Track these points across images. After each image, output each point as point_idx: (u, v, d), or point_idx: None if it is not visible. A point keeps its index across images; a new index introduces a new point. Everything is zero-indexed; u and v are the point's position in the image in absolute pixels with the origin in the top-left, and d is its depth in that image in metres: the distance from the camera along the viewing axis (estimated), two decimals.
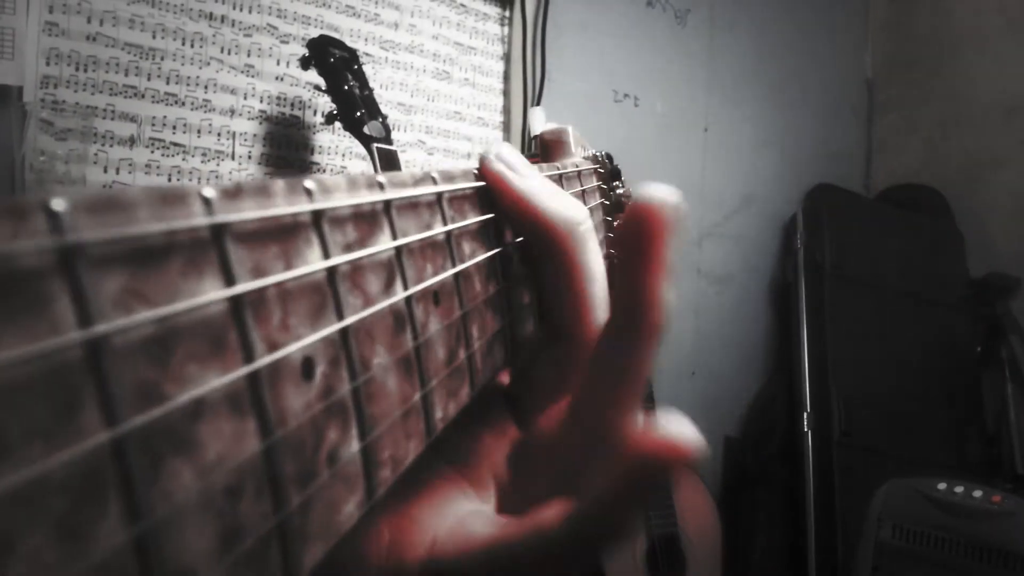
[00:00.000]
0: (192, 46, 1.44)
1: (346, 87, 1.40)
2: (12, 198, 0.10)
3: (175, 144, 1.42)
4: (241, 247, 0.15)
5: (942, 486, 1.79)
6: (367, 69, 1.47)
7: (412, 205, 0.23)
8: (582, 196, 0.45)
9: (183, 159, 1.43)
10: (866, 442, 2.27)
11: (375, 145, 1.38)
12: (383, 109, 1.43)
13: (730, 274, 2.56)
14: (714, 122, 2.50)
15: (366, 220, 0.20)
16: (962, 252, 2.65)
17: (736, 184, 2.58)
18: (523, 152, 0.44)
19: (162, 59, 1.40)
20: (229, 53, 1.48)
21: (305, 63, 1.41)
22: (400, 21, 1.73)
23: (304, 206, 0.17)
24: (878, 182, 3.04)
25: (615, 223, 0.50)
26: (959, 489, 1.77)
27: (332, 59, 1.41)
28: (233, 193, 0.15)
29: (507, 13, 1.94)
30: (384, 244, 0.20)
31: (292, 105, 1.56)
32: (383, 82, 1.69)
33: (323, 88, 1.42)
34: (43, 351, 0.10)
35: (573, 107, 2.10)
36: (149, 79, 1.39)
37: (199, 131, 1.45)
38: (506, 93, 1.95)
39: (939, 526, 1.75)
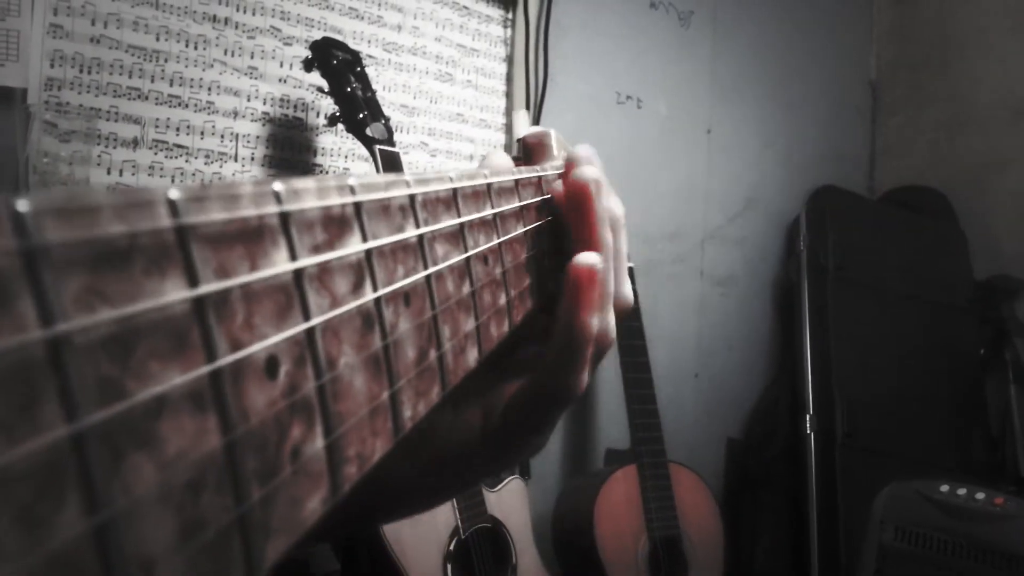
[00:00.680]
0: (196, 48, 1.45)
1: (349, 89, 1.41)
2: None
3: (178, 146, 1.43)
4: (206, 248, 0.15)
5: (945, 488, 1.79)
6: (370, 71, 1.48)
7: (384, 208, 0.23)
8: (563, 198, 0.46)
9: (186, 161, 1.44)
10: (869, 444, 2.27)
11: (378, 147, 1.39)
12: (386, 111, 1.44)
13: (733, 276, 2.56)
14: (717, 124, 2.51)
15: (336, 223, 0.20)
16: (966, 254, 2.65)
17: (739, 186, 2.58)
18: (509, 154, 0.45)
19: (166, 61, 1.41)
20: (232, 55, 1.49)
21: (308, 65, 1.42)
22: (403, 23, 1.74)
23: (271, 208, 0.17)
24: (882, 184, 3.04)
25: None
26: (962, 491, 1.77)
27: (335, 61, 1.42)
28: (199, 196, 0.15)
29: (510, 15, 1.95)
30: (353, 246, 0.21)
31: (295, 107, 1.57)
32: (386, 84, 1.70)
33: (326, 90, 1.42)
34: (5, 348, 0.11)
35: (576, 109, 2.11)
36: (153, 81, 1.40)
37: (202, 133, 1.46)
38: (509, 95, 1.95)
39: (941, 528, 1.75)
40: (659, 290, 2.31)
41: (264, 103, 1.53)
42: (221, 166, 1.47)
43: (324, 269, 0.19)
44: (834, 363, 2.34)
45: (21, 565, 0.11)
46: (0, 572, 0.11)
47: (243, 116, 1.50)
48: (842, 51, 3.00)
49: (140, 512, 0.13)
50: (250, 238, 0.17)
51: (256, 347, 0.16)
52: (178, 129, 1.43)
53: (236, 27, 1.49)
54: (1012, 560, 1.64)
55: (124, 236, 0.13)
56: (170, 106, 1.42)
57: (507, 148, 1.90)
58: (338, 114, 1.41)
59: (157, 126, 1.41)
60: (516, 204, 0.38)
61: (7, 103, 1.26)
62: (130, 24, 1.36)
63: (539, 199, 0.43)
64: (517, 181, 0.39)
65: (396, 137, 1.45)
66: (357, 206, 0.21)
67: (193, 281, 0.15)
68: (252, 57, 1.51)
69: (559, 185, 0.43)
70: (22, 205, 0.12)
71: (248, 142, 1.51)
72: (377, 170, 1.37)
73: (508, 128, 1.94)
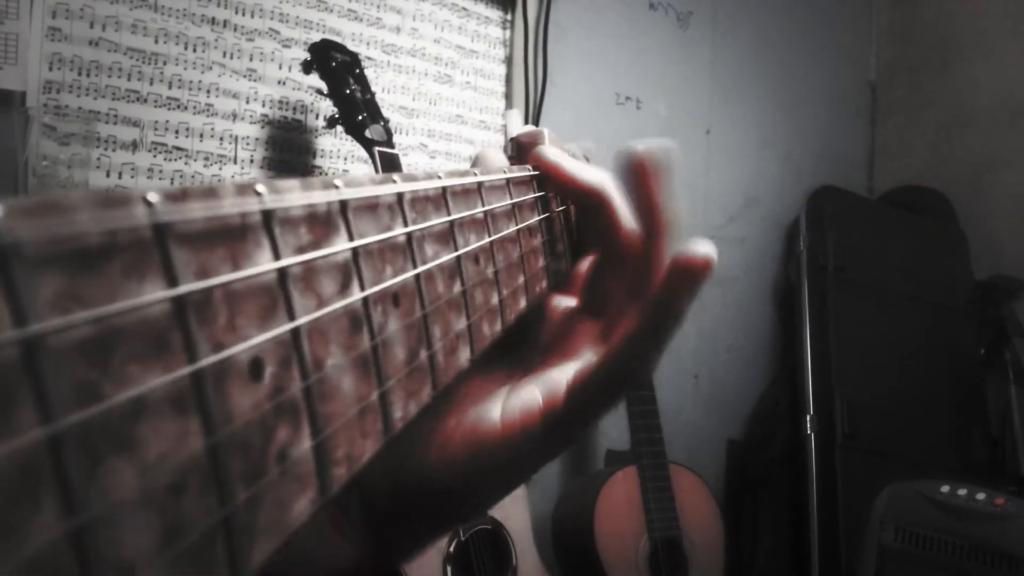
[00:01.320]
0: (194, 51, 1.45)
1: (348, 91, 1.40)
2: None
3: (177, 148, 1.43)
4: (185, 249, 0.15)
5: (945, 488, 1.79)
6: (369, 73, 1.48)
7: (371, 207, 0.23)
8: (556, 195, 0.47)
9: (185, 163, 1.44)
10: (869, 445, 2.27)
11: (377, 149, 1.39)
12: (385, 113, 1.44)
13: (733, 276, 2.56)
14: (717, 124, 2.50)
15: (321, 222, 0.20)
16: (966, 255, 2.65)
17: (739, 186, 2.58)
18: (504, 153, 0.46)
19: (164, 64, 1.41)
20: (231, 57, 1.49)
21: (307, 67, 1.42)
22: (402, 25, 1.74)
23: (252, 206, 0.17)
24: (882, 184, 3.04)
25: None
26: (962, 492, 1.77)
27: (334, 63, 1.41)
28: (178, 197, 0.15)
29: (509, 16, 1.95)
30: (339, 246, 0.21)
31: (294, 109, 1.57)
32: (385, 86, 1.70)
33: (325, 92, 1.42)
34: None
35: (575, 110, 2.11)
36: (151, 84, 1.40)
37: (201, 135, 1.46)
38: (508, 96, 1.95)
39: (942, 529, 1.75)
40: None
41: (263, 105, 1.53)
42: (220, 168, 1.47)
43: (309, 269, 0.19)
44: (834, 364, 2.33)
45: None
46: None
47: (242, 118, 1.50)
48: (842, 52, 3.00)
49: (119, 515, 0.13)
50: (232, 238, 0.17)
51: (239, 348, 0.16)
52: (177, 131, 1.43)
53: (235, 29, 1.49)
54: (1012, 560, 1.64)
55: (100, 236, 0.13)
56: (169, 108, 1.42)
57: (504, 149, 1.90)
58: (337, 116, 1.41)
59: (156, 128, 1.41)
60: (508, 202, 0.38)
61: (6, 106, 1.26)
62: (129, 27, 1.36)
63: (533, 196, 0.43)
64: (509, 180, 0.39)
65: (395, 139, 1.45)
66: (343, 205, 0.21)
67: (173, 282, 0.15)
68: (251, 59, 1.51)
69: (548, 154, 0.45)
70: None
71: (247, 144, 1.51)
72: (376, 172, 1.37)
73: (506, 128, 1.94)
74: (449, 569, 1.46)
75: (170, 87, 1.42)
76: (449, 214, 0.30)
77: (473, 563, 1.50)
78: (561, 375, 0.40)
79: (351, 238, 0.21)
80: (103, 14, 1.33)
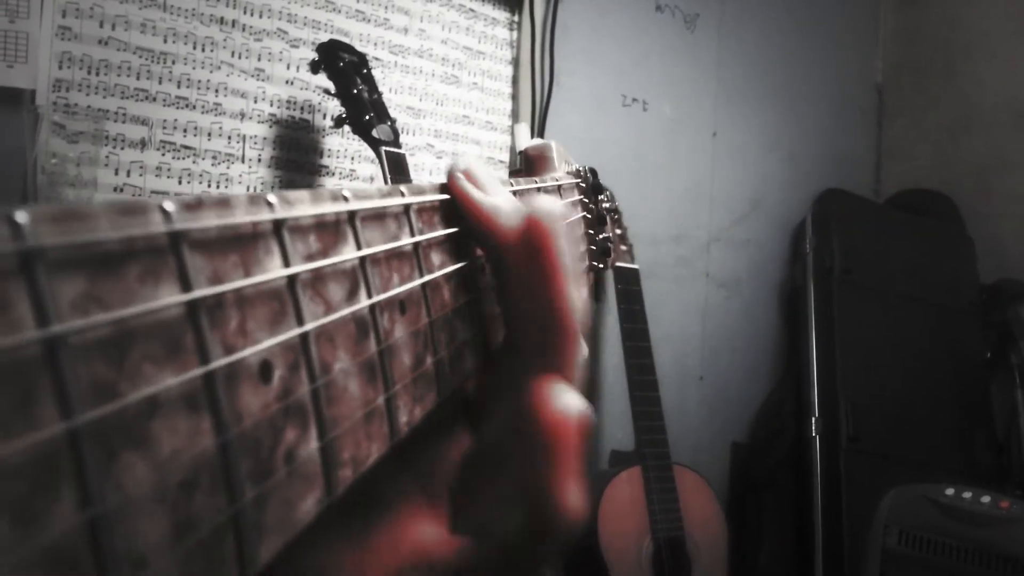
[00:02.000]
0: (203, 50, 1.45)
1: (355, 91, 1.41)
2: None
3: (186, 147, 1.44)
4: (199, 255, 0.16)
5: (949, 492, 1.79)
6: (376, 73, 1.49)
7: (378, 217, 0.24)
8: None
9: (193, 162, 1.44)
10: (874, 448, 2.27)
11: (384, 148, 1.39)
12: (392, 113, 1.45)
13: (738, 279, 2.56)
14: (723, 126, 2.51)
15: (329, 231, 0.21)
16: (972, 257, 2.64)
17: (745, 189, 2.58)
18: (511, 167, 0.45)
19: (173, 63, 1.42)
20: (240, 57, 1.50)
21: (315, 67, 1.43)
22: (409, 26, 1.74)
23: (264, 216, 0.18)
24: (888, 187, 3.03)
25: (597, 236, 0.51)
26: (967, 495, 1.77)
27: (342, 63, 1.42)
28: (193, 206, 0.16)
29: (516, 18, 1.95)
30: (347, 254, 0.21)
31: (302, 109, 1.58)
32: (392, 86, 1.71)
33: (332, 92, 1.43)
34: (1, 347, 0.11)
35: (582, 111, 2.11)
36: (160, 83, 1.41)
37: (209, 134, 1.47)
38: (515, 97, 1.96)
39: (946, 532, 1.75)
40: (664, 292, 2.31)
41: (271, 105, 1.54)
42: (228, 167, 1.48)
43: (318, 276, 0.20)
44: (839, 366, 2.33)
45: (16, 557, 0.12)
46: None
47: (250, 118, 1.51)
48: (847, 54, 3.00)
49: (133, 509, 0.14)
50: (243, 246, 0.17)
51: (249, 352, 0.17)
52: (185, 130, 1.44)
53: (243, 29, 1.50)
54: (1017, 564, 1.63)
55: (119, 242, 0.14)
56: (177, 107, 1.43)
57: (511, 164, 1.90)
58: (344, 116, 1.41)
59: (164, 127, 1.42)
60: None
61: (16, 104, 1.27)
62: (138, 26, 1.37)
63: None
64: (514, 192, 0.39)
65: (402, 139, 1.46)
66: (351, 215, 0.22)
67: (187, 287, 0.15)
68: (259, 59, 1.52)
69: (458, 177, 0.32)
70: (19, 214, 0.12)
71: (255, 143, 1.52)
72: (383, 172, 1.38)
73: (513, 140, 1.95)
74: None
75: (179, 86, 1.43)
76: (455, 225, 0.30)
77: None
78: (387, 546, 0.28)
79: (359, 247, 0.22)
80: (112, 13, 1.34)
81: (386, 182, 1.38)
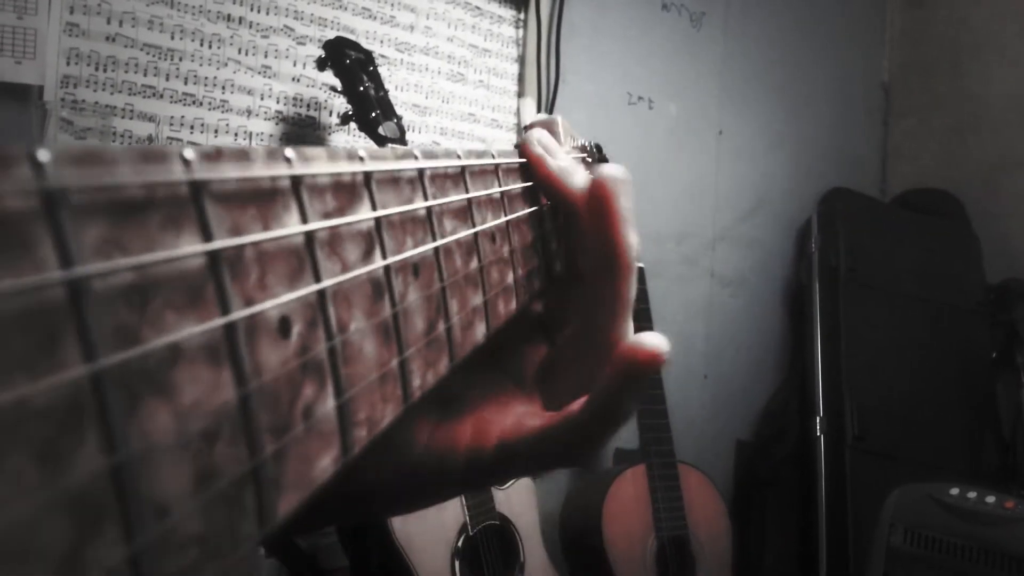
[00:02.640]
0: (210, 47, 1.46)
1: (361, 88, 1.41)
2: None
3: (192, 144, 1.44)
4: (219, 207, 0.16)
5: (954, 491, 1.78)
6: (382, 71, 1.49)
7: (393, 180, 0.24)
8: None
9: None
10: (879, 447, 2.26)
11: (390, 146, 1.40)
12: (398, 110, 1.45)
13: (743, 277, 2.56)
14: (728, 125, 2.50)
15: (346, 191, 0.21)
16: (979, 257, 2.64)
17: (750, 187, 2.58)
18: (517, 143, 0.46)
19: (180, 60, 1.42)
20: (246, 54, 1.50)
21: (321, 64, 1.43)
22: (415, 23, 1.74)
23: (283, 170, 0.18)
24: (894, 186, 3.03)
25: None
26: (972, 494, 1.76)
27: (348, 60, 1.42)
28: (213, 156, 0.16)
29: (522, 16, 1.95)
30: (364, 214, 0.21)
31: (308, 106, 1.58)
32: (398, 84, 1.71)
33: (339, 89, 1.43)
34: (26, 287, 0.12)
35: (587, 109, 2.11)
36: (167, 79, 1.41)
37: (216, 131, 1.47)
38: (520, 95, 1.96)
39: (951, 531, 1.74)
40: (668, 290, 2.31)
41: (277, 102, 1.54)
42: None
43: (335, 235, 0.20)
44: (844, 365, 2.33)
45: (42, 498, 0.12)
46: (22, 504, 0.11)
47: (257, 114, 1.51)
48: (854, 53, 2.99)
49: (156, 456, 0.14)
50: (262, 200, 0.17)
51: (268, 304, 0.17)
52: (192, 127, 1.44)
53: (250, 26, 1.50)
54: (1022, 564, 1.63)
55: (141, 188, 0.14)
56: (184, 104, 1.43)
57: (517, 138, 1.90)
58: (351, 113, 1.41)
59: (171, 124, 1.42)
60: (523, 184, 0.39)
61: (24, 100, 1.28)
62: (145, 23, 1.38)
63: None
64: (522, 163, 0.40)
65: (408, 136, 1.46)
66: (367, 176, 0.22)
67: (207, 237, 0.15)
68: (266, 56, 1.52)
69: (534, 144, 0.40)
70: (42, 153, 0.12)
71: (261, 140, 1.52)
72: None
73: (519, 128, 1.95)
74: (457, 564, 1.46)
75: (186, 83, 1.43)
76: (467, 192, 0.30)
77: (481, 558, 1.51)
78: (497, 418, 0.37)
79: (374, 207, 0.22)
80: (120, 10, 1.35)
81: None
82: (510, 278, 0.36)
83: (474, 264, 0.31)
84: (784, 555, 2.32)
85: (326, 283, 0.19)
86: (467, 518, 1.50)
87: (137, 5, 1.36)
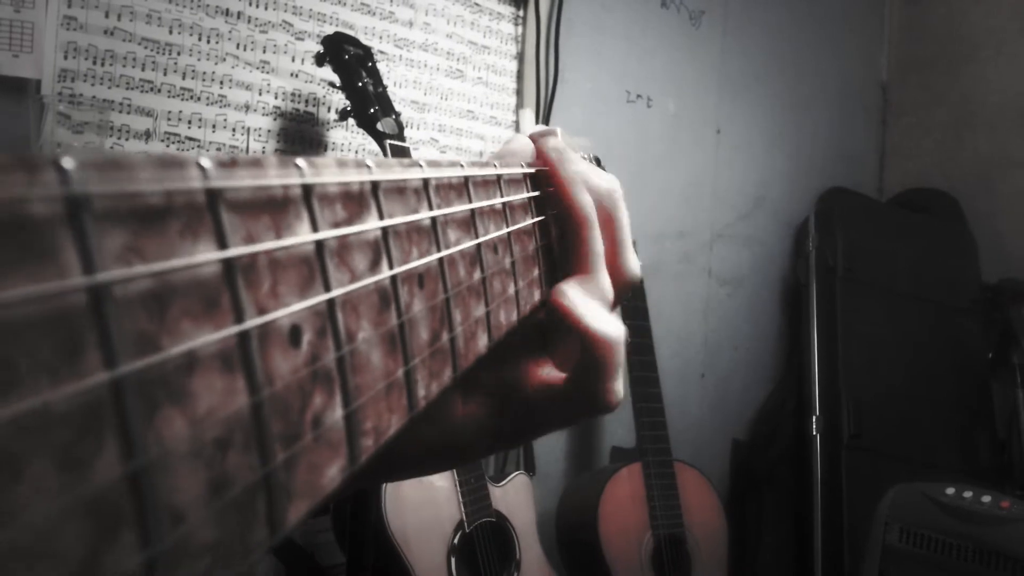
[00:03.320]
0: (208, 42, 1.45)
1: (360, 84, 1.41)
2: (24, 153, 0.12)
3: (190, 139, 1.44)
4: (234, 215, 0.16)
5: (950, 491, 1.79)
6: (381, 67, 1.49)
7: (399, 190, 0.24)
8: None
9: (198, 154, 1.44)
10: (875, 446, 2.27)
11: (388, 142, 1.39)
12: (396, 106, 1.45)
13: (741, 276, 2.56)
14: (727, 123, 2.51)
15: (354, 200, 0.21)
16: (975, 257, 2.65)
17: (748, 186, 2.58)
18: None
19: (178, 54, 1.42)
20: (245, 49, 1.50)
21: (320, 60, 1.43)
22: (414, 19, 1.74)
23: (294, 179, 0.18)
24: (891, 185, 3.04)
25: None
26: (967, 494, 1.77)
27: (347, 56, 1.42)
28: (228, 164, 0.16)
29: (521, 13, 1.95)
30: (371, 223, 0.21)
31: (306, 101, 1.58)
32: (397, 80, 1.71)
33: (337, 85, 1.43)
34: (50, 292, 0.12)
35: (586, 107, 2.11)
36: (165, 74, 1.41)
37: (214, 126, 1.47)
38: (519, 92, 1.96)
39: (947, 531, 1.75)
40: (666, 289, 2.31)
41: (276, 97, 1.54)
42: None
43: (343, 244, 0.20)
44: (841, 364, 2.34)
45: (62, 503, 0.12)
46: (41, 509, 0.11)
47: (255, 110, 1.51)
48: (853, 52, 3.00)
49: (172, 463, 0.14)
50: (275, 208, 0.17)
51: (281, 313, 0.17)
52: (190, 122, 1.44)
53: (249, 21, 1.50)
54: (1017, 564, 1.64)
55: (160, 195, 0.14)
56: (182, 99, 1.43)
57: None
58: (349, 109, 1.41)
59: (169, 119, 1.42)
60: (524, 195, 0.39)
61: (21, 94, 1.27)
62: (143, 17, 1.37)
63: (547, 191, 0.44)
64: (525, 174, 0.40)
65: (406, 133, 1.46)
66: (374, 185, 0.22)
67: (223, 245, 0.15)
68: (264, 51, 1.52)
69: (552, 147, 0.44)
70: (66, 160, 0.12)
71: (259, 136, 1.52)
72: None
73: (518, 125, 1.95)
74: (453, 561, 1.46)
75: (184, 78, 1.43)
76: (471, 203, 0.30)
77: (477, 556, 1.51)
78: (513, 391, 0.42)
79: (381, 217, 0.22)
80: (118, 4, 1.34)
81: None
82: (511, 289, 0.36)
83: (477, 275, 0.31)
84: (780, 553, 2.32)
85: (336, 292, 0.19)
86: (463, 515, 1.50)
87: None
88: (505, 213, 0.36)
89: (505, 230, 0.36)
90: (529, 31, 1.95)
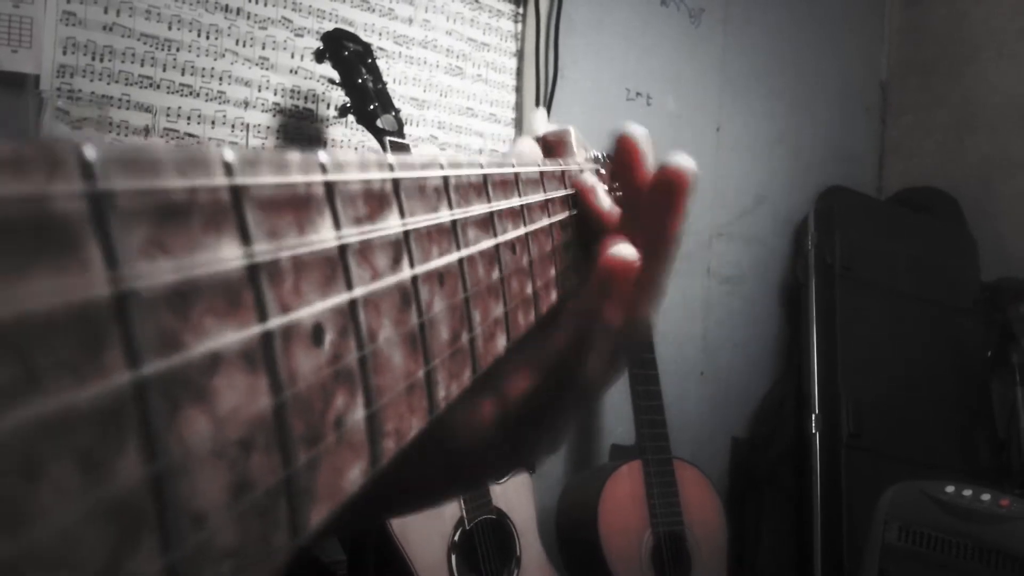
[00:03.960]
0: (207, 38, 1.45)
1: (360, 80, 1.40)
2: (46, 143, 0.11)
3: (189, 135, 1.43)
4: (258, 211, 0.15)
5: (950, 489, 1.79)
6: (380, 64, 1.48)
7: (419, 189, 0.24)
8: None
9: None
10: (874, 445, 2.27)
11: (387, 139, 1.39)
12: (396, 103, 1.44)
13: (740, 274, 2.56)
14: (727, 122, 2.50)
15: (376, 198, 0.20)
16: (974, 256, 2.65)
17: (748, 184, 2.58)
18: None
19: (177, 50, 1.41)
20: (244, 45, 1.49)
21: (319, 56, 1.42)
22: (414, 16, 1.74)
23: (317, 177, 0.18)
24: (891, 185, 3.03)
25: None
26: (967, 492, 1.77)
27: (346, 52, 1.41)
28: (252, 160, 0.15)
29: (521, 10, 1.95)
30: (393, 222, 0.21)
31: (306, 98, 1.57)
32: (396, 77, 1.70)
33: (337, 81, 1.42)
34: (74, 289, 0.11)
35: (585, 105, 2.10)
36: (164, 70, 1.40)
37: (213, 122, 1.46)
38: (518, 90, 1.95)
39: (946, 529, 1.75)
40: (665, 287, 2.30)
41: (275, 93, 1.53)
42: None
43: (365, 243, 0.19)
44: (840, 363, 2.33)
45: (84, 505, 0.11)
46: (62, 510, 0.11)
47: (254, 106, 1.50)
48: (853, 51, 2.99)
49: (195, 466, 0.13)
50: (298, 205, 0.17)
51: (304, 312, 0.16)
52: (189, 118, 1.43)
53: (248, 17, 1.49)
54: (1016, 562, 1.64)
55: (184, 191, 0.13)
56: (181, 95, 1.42)
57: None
58: (348, 105, 1.41)
59: (168, 115, 1.41)
60: (542, 196, 0.39)
61: (20, 89, 1.27)
62: (143, 13, 1.37)
63: (564, 192, 0.43)
64: (542, 173, 0.39)
65: (406, 130, 1.45)
66: (395, 183, 0.22)
67: (247, 242, 0.15)
68: (263, 47, 1.51)
69: (588, 179, 0.45)
70: (89, 152, 0.12)
71: (258, 132, 1.51)
72: None
73: (517, 123, 1.94)
74: (453, 558, 1.46)
75: (183, 74, 1.42)
76: (490, 202, 0.30)
77: (478, 552, 1.51)
78: (512, 383, 0.41)
79: (403, 216, 0.22)
80: None
81: None
82: (529, 289, 0.35)
83: (496, 274, 0.30)
84: (779, 551, 2.32)
85: (358, 291, 0.19)
86: (464, 512, 1.50)
87: None
88: (523, 213, 0.36)
89: (523, 230, 0.36)
90: (529, 28, 1.95)
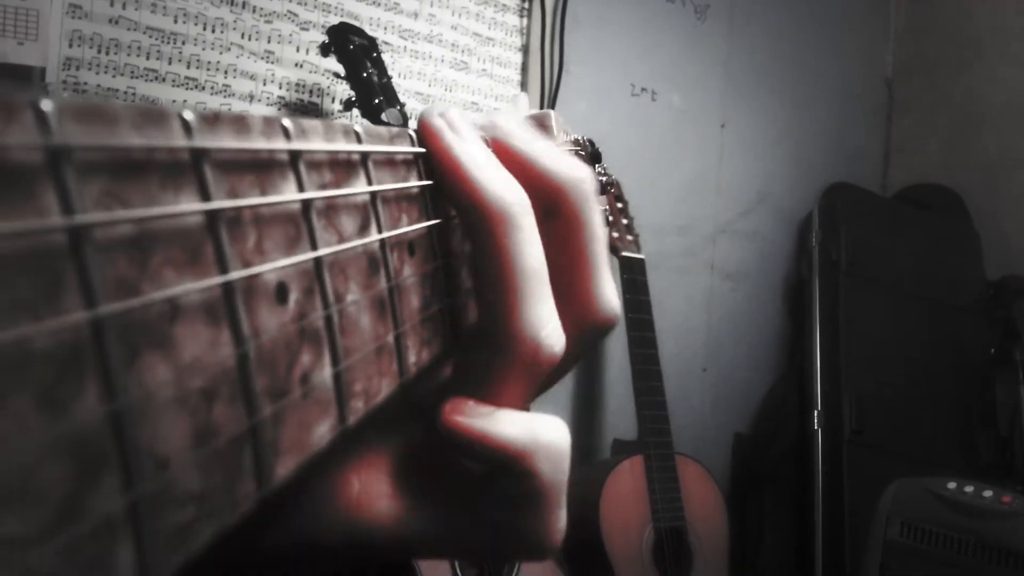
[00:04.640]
0: (213, 31, 1.46)
1: (365, 74, 1.41)
2: (2, 95, 0.12)
3: None
4: (218, 171, 0.16)
5: (952, 485, 1.79)
6: (385, 58, 1.49)
7: (389, 160, 0.24)
8: None
9: None
10: (876, 442, 2.27)
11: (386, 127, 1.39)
12: (401, 97, 1.44)
13: (744, 271, 2.56)
14: (731, 118, 2.50)
15: (343, 166, 0.21)
16: (978, 254, 2.64)
17: (752, 181, 2.58)
18: None
19: (183, 43, 1.42)
20: (249, 39, 1.50)
21: (325, 50, 1.43)
22: (419, 10, 1.74)
23: (281, 144, 0.18)
24: (895, 182, 3.03)
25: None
26: (969, 489, 1.77)
27: (351, 46, 1.42)
28: (212, 120, 0.16)
29: (526, 5, 1.95)
30: (360, 187, 0.22)
31: (311, 92, 1.58)
32: (401, 71, 1.71)
33: (342, 75, 1.43)
34: (28, 231, 0.12)
35: (590, 100, 2.11)
36: (170, 63, 1.41)
37: None
38: (523, 85, 1.96)
39: (948, 525, 1.75)
40: (669, 283, 2.31)
41: (280, 87, 1.54)
42: None
43: (331, 206, 0.20)
44: (843, 360, 2.33)
45: (42, 441, 0.12)
46: (23, 443, 0.12)
47: (259, 100, 1.51)
48: (858, 48, 2.99)
49: (156, 409, 0.14)
50: (261, 168, 0.17)
51: (267, 267, 0.17)
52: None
53: (253, 11, 1.50)
54: (1018, 558, 1.64)
55: (142, 149, 0.14)
56: (187, 88, 1.43)
57: None
58: (354, 99, 1.41)
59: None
60: None
61: (25, 82, 1.28)
62: (148, 6, 1.37)
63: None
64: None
65: (411, 124, 1.46)
66: (364, 154, 0.22)
67: (206, 198, 0.15)
68: (269, 41, 1.52)
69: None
70: (45, 104, 0.12)
71: None
72: None
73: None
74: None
75: (188, 67, 1.43)
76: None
77: None
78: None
79: (370, 183, 0.22)
80: None
81: None
82: None
83: (468, 246, 0.31)
84: (781, 547, 2.32)
85: (322, 251, 0.19)
86: None
87: None
88: None
89: None
90: (534, 23, 1.95)
